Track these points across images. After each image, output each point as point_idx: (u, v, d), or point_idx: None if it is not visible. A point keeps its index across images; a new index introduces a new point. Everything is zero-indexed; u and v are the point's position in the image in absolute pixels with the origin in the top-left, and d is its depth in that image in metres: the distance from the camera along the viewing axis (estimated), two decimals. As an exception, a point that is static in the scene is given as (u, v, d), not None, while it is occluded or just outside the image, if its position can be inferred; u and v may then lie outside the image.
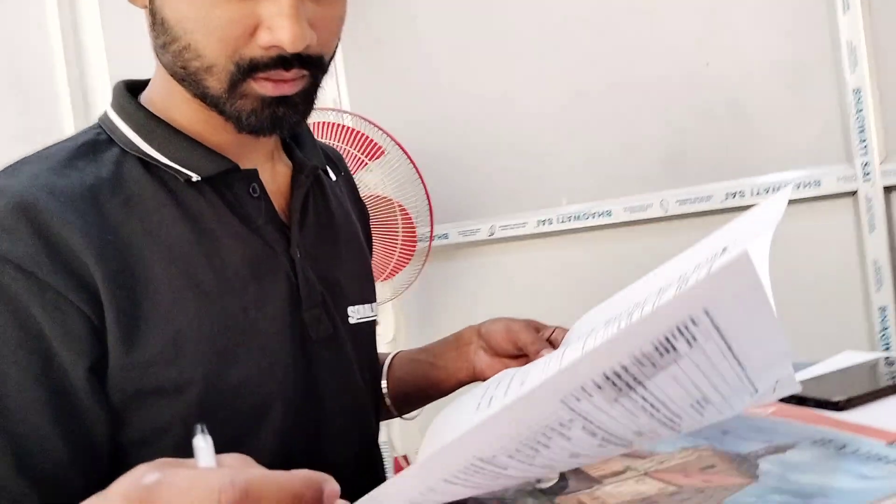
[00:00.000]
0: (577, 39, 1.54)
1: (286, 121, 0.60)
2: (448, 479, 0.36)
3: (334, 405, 0.66)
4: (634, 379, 0.32)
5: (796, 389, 0.37)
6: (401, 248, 1.54)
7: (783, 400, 0.58)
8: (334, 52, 0.63)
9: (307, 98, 0.61)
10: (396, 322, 1.69)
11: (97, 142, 0.62)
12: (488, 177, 1.67)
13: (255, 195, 0.64)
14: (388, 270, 1.56)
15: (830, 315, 1.39)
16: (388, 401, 0.81)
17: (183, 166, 0.61)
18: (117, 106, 0.64)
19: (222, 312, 0.59)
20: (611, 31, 1.51)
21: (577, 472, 0.50)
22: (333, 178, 0.76)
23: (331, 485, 0.33)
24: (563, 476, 0.50)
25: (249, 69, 0.56)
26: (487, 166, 1.66)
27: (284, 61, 0.56)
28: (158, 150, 0.61)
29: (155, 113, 0.63)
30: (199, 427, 0.35)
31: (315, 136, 0.76)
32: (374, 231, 1.54)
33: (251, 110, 0.58)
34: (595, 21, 1.52)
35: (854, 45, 1.31)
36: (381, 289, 1.61)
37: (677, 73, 1.46)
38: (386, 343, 1.64)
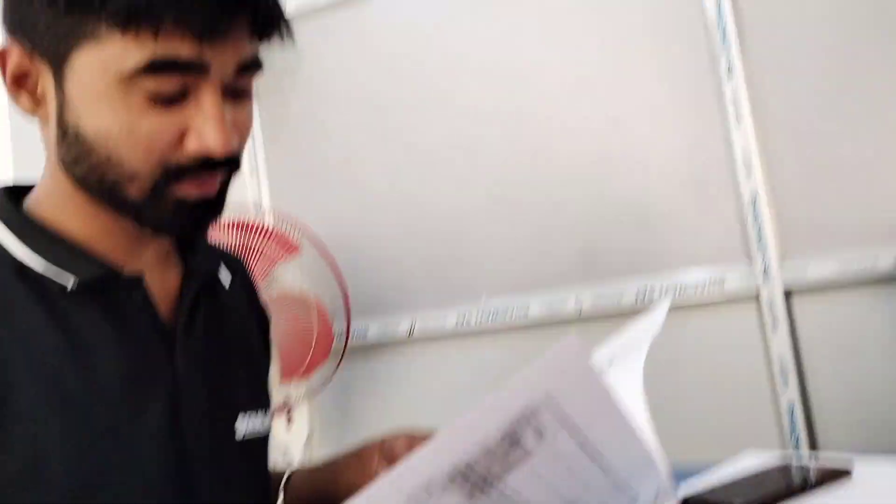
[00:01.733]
0: (492, 141, 1.60)
1: (205, 221, 0.60)
2: None
3: None
4: (488, 474, 0.31)
5: (674, 499, 0.36)
6: (315, 345, 1.50)
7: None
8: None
9: (222, 197, 0.61)
10: (312, 422, 1.63)
11: None
12: (409, 273, 1.67)
13: (138, 302, 0.61)
14: (303, 368, 1.52)
15: (740, 413, 1.41)
16: None
17: (60, 271, 0.58)
18: None
19: (92, 431, 0.56)
20: (524, 133, 1.57)
21: None
22: (227, 283, 0.73)
23: None
24: None
25: (176, 175, 0.56)
26: (406, 262, 1.67)
27: (210, 164, 0.57)
28: (35, 255, 0.59)
29: (38, 219, 0.61)
30: None
31: (218, 238, 0.75)
32: (288, 329, 1.53)
33: (173, 213, 0.57)
34: (509, 123, 1.58)
35: (748, 154, 1.40)
36: (297, 388, 1.56)
37: (587, 174, 1.52)
38: (301, 443, 1.58)
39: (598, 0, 1.51)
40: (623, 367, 0.51)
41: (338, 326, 1.58)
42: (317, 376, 1.57)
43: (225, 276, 0.73)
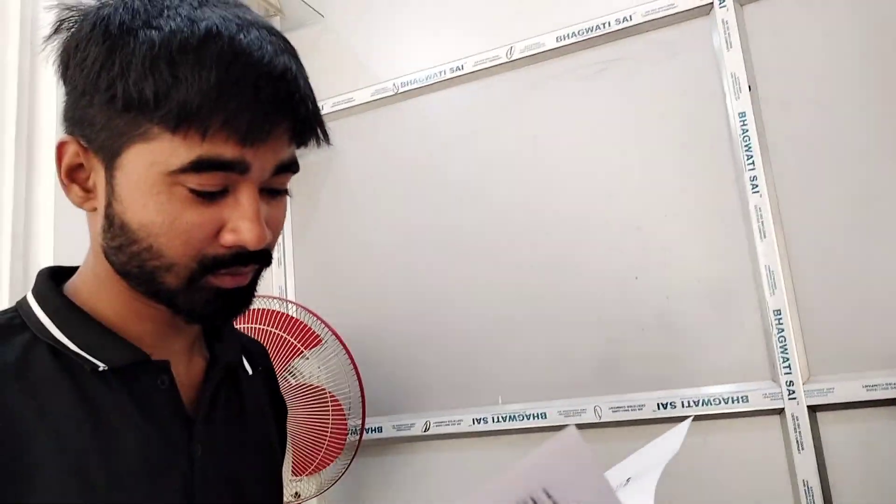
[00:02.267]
0: (516, 244, 1.62)
1: (236, 310, 0.63)
2: None
3: None
4: None
5: None
6: (329, 440, 1.49)
7: None
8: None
9: (253, 288, 0.64)
10: (321, 520, 1.60)
11: (10, 325, 0.62)
12: (426, 372, 1.66)
13: (163, 387, 0.64)
14: (315, 464, 1.50)
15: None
16: None
17: (92, 354, 0.61)
18: (36, 292, 0.65)
19: None
20: (549, 238, 1.59)
21: None
22: (250, 371, 0.76)
23: None
24: None
25: (211, 267, 0.59)
26: (424, 363, 1.67)
27: (243, 258, 0.60)
28: (69, 338, 0.61)
29: (77, 301, 0.64)
30: None
31: (242, 328, 0.78)
32: (303, 421, 1.52)
33: (206, 302, 0.61)
34: (534, 227, 1.60)
35: (772, 270, 1.39)
36: (307, 484, 1.54)
37: (610, 284, 1.52)
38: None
39: (627, 108, 1.56)
40: (638, 485, 0.50)
41: (352, 422, 1.57)
42: (328, 472, 1.55)
43: (248, 366, 0.75)
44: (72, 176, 0.62)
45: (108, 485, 0.57)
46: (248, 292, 0.64)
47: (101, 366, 0.61)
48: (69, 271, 0.68)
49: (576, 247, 1.56)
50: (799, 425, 1.34)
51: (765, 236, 1.40)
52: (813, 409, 1.35)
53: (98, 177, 0.60)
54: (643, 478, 0.48)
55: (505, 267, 1.62)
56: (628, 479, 0.51)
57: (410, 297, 1.70)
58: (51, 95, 1.46)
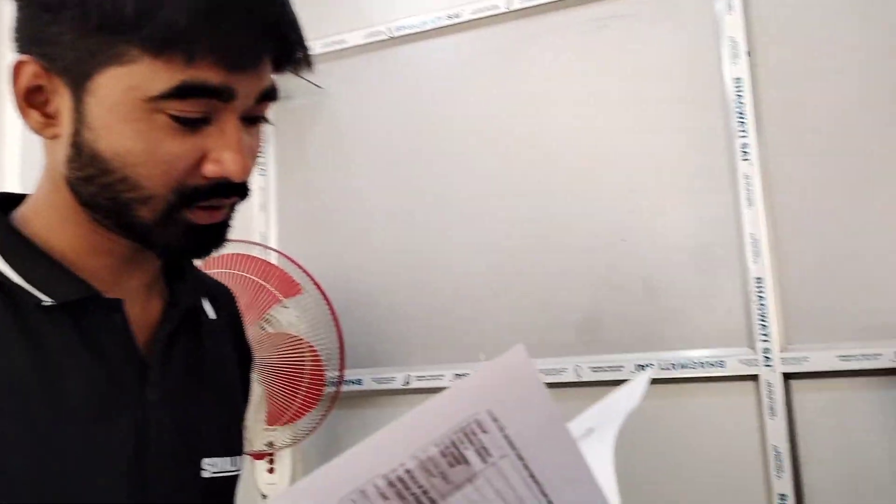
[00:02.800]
0: (504, 203, 1.60)
1: (211, 245, 0.61)
2: None
3: None
4: (425, 493, 0.28)
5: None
6: (306, 391, 1.47)
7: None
8: None
9: (227, 224, 0.62)
10: (294, 470, 1.59)
11: None
12: (409, 326, 1.65)
13: (115, 326, 0.60)
14: (291, 414, 1.48)
15: (731, 498, 1.39)
16: None
17: (37, 288, 0.57)
18: None
19: (51, 453, 0.54)
20: (536, 198, 1.57)
21: None
22: (213, 316, 0.72)
23: None
24: None
25: (190, 198, 0.56)
26: (407, 316, 1.65)
27: (223, 189, 0.57)
28: (14, 269, 0.57)
29: (26, 232, 0.60)
30: None
31: (219, 273, 0.75)
32: (279, 371, 1.50)
33: (180, 236, 0.58)
34: (522, 187, 1.59)
35: (757, 238, 1.40)
36: (281, 434, 1.52)
37: (595, 244, 1.52)
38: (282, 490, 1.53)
39: (623, 67, 1.54)
40: (599, 436, 0.49)
41: (330, 374, 1.56)
42: (304, 422, 1.54)
43: (210, 309, 0.72)
44: (30, 100, 0.56)
45: (50, 425, 0.54)
46: (224, 228, 0.61)
47: (47, 300, 0.57)
48: (17, 199, 0.63)
49: (565, 205, 1.55)
50: (772, 392, 1.36)
51: (752, 204, 1.41)
52: (787, 377, 1.37)
53: (62, 101, 0.55)
54: (604, 429, 0.48)
55: (493, 222, 1.61)
56: (589, 430, 0.50)
57: (396, 248, 1.68)
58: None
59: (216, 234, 0.60)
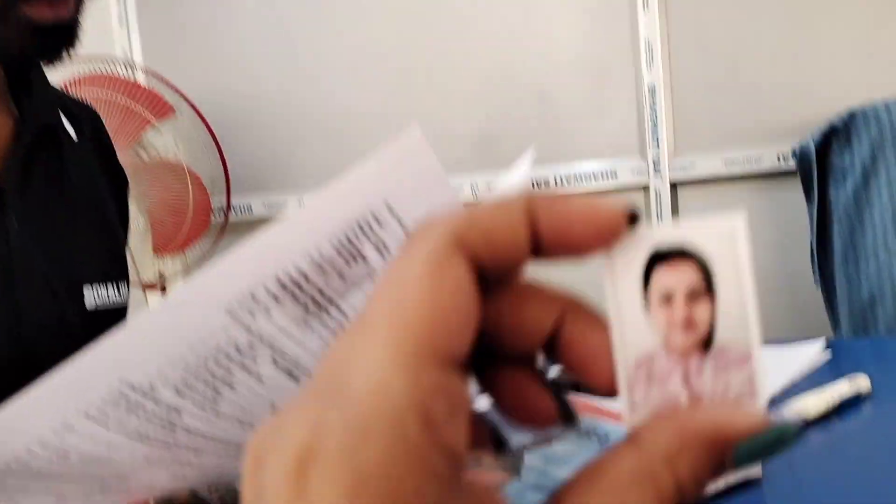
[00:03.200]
0: (396, 22, 1.50)
1: (58, 47, 0.54)
2: (90, 414, 0.25)
3: None
4: (321, 293, 0.25)
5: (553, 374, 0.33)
6: (192, 220, 1.41)
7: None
8: None
9: (76, 23, 0.54)
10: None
11: None
12: (298, 148, 1.58)
13: None
14: (179, 243, 1.42)
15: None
16: None
17: None
18: None
19: None
20: (429, 16, 1.49)
21: None
22: (75, 138, 0.65)
23: None
24: None
25: None
26: (296, 137, 1.57)
27: None
28: None
29: None
30: None
31: (79, 96, 0.66)
32: (160, 198, 1.42)
33: (21, 37, 0.51)
34: (414, 6, 1.48)
35: (651, 44, 1.37)
36: (171, 263, 1.47)
37: (488, 56, 1.46)
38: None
39: None
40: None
41: (217, 201, 1.49)
42: (194, 251, 1.48)
43: (71, 130, 0.65)
44: None
45: None
46: (72, 28, 0.54)
47: None
48: None
49: (453, 19, 1.47)
50: (661, 199, 1.39)
51: (647, 8, 1.36)
52: (674, 186, 1.40)
53: None
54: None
55: (380, 38, 1.51)
56: None
57: (280, 65, 1.56)
58: None
59: (63, 34, 0.54)
